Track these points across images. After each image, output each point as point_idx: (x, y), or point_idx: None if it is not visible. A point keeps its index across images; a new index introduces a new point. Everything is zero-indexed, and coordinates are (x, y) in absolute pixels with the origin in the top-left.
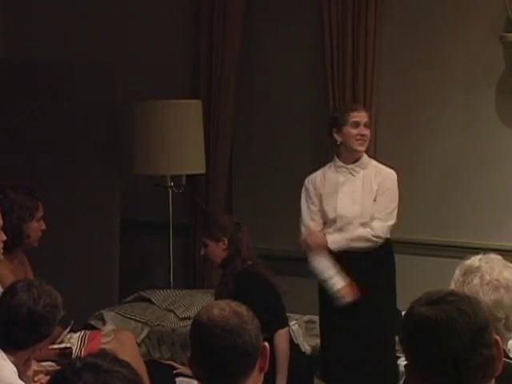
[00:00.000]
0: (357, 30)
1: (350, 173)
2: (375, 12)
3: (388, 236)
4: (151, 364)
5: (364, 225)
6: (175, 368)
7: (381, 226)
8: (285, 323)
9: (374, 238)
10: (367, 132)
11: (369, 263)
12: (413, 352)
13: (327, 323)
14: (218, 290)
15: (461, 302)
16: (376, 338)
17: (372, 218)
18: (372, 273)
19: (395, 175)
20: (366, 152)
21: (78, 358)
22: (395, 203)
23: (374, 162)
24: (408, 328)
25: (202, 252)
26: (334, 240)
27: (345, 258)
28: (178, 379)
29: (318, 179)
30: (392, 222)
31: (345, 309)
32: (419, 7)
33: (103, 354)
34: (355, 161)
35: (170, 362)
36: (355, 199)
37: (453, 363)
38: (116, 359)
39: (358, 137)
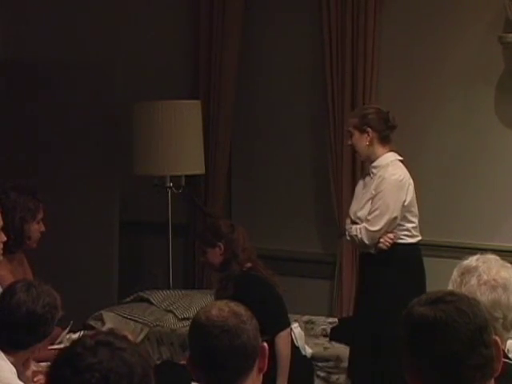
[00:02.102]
0: (356, 29)
1: (369, 174)
2: (374, 12)
3: (413, 240)
4: (167, 365)
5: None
6: None
7: (362, 228)
8: (286, 325)
9: (356, 238)
10: (349, 142)
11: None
12: (412, 352)
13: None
14: (218, 295)
15: (460, 302)
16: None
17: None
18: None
19: (394, 180)
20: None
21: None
22: (383, 209)
23: (391, 165)
24: (407, 328)
25: (202, 259)
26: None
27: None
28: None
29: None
30: (375, 228)
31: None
32: (418, 7)
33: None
34: (372, 161)
35: (185, 363)
36: (359, 199)
37: (452, 363)
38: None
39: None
